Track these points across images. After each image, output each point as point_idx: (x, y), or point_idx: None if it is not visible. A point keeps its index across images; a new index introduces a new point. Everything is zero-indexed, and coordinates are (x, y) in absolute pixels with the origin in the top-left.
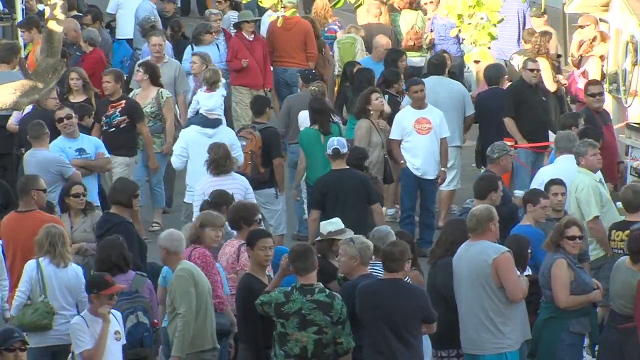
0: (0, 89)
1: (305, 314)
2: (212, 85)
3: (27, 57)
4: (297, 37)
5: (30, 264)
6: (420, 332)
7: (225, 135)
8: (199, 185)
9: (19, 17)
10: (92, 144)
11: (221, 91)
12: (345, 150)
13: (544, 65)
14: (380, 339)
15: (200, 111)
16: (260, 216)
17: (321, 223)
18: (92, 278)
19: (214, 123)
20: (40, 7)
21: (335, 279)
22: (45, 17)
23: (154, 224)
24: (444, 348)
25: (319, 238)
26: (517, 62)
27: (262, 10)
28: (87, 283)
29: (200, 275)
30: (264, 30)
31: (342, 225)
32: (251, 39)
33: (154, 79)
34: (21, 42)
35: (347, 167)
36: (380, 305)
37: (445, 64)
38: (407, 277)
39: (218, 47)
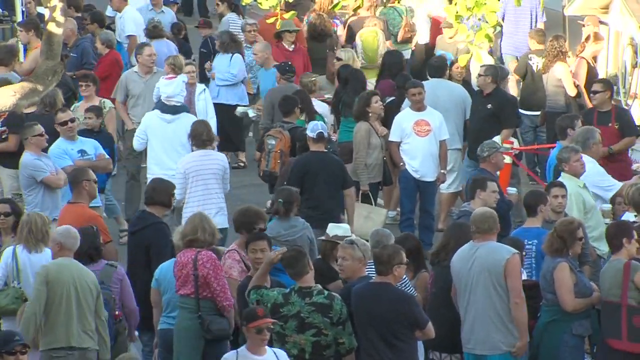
0: (0, 91)
1: (304, 317)
2: (174, 71)
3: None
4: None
5: (7, 251)
6: (410, 336)
7: (185, 122)
8: (180, 163)
9: (19, 19)
10: (92, 145)
11: (182, 78)
12: (326, 134)
13: (564, 69)
14: (367, 342)
15: (161, 98)
16: (262, 225)
17: (330, 225)
18: (245, 311)
19: (173, 109)
20: (40, 9)
21: (334, 281)
22: (45, 19)
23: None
24: (455, 352)
25: (323, 238)
26: (536, 62)
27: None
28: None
29: (61, 275)
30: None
31: (349, 233)
32: (291, 50)
33: (98, 89)
34: (20, 44)
35: (326, 150)
36: (367, 308)
37: (445, 67)
38: (402, 280)
39: (231, 57)
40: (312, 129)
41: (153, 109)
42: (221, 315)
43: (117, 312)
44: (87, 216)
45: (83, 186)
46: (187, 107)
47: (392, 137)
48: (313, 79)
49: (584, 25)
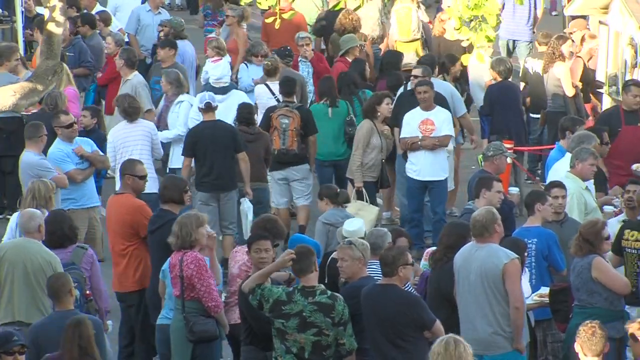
0: (0, 91)
1: (306, 316)
2: (218, 54)
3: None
4: (290, 30)
5: (13, 217)
6: (417, 337)
7: (235, 99)
8: (110, 135)
9: (19, 19)
10: (88, 144)
11: (227, 59)
12: (215, 104)
13: (564, 69)
14: (375, 343)
15: (209, 81)
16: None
17: (338, 229)
18: None
19: (223, 90)
20: (39, 9)
21: None
22: (45, 19)
23: None
24: None
25: (340, 244)
26: (532, 65)
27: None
28: None
29: (11, 253)
30: None
31: (363, 227)
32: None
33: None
34: (21, 43)
35: (217, 119)
36: (373, 310)
37: (434, 64)
38: (407, 283)
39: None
40: (200, 100)
41: (202, 91)
42: (208, 316)
43: (87, 292)
44: (135, 205)
45: (126, 180)
46: (235, 85)
47: (404, 134)
48: (267, 62)
49: (571, 33)
